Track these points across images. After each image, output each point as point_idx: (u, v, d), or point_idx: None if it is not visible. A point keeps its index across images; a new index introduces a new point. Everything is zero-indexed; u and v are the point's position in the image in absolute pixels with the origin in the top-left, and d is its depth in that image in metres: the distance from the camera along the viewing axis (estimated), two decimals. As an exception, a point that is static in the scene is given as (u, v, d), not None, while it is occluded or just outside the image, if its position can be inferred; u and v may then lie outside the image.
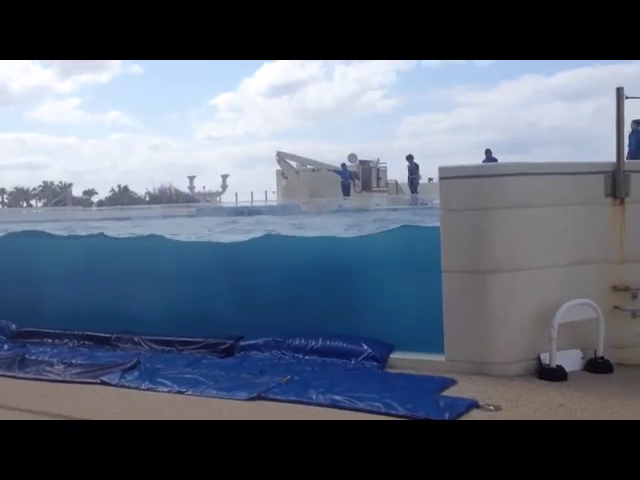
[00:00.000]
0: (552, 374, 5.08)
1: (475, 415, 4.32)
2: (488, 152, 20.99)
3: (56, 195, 54.90)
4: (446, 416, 4.23)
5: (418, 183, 24.74)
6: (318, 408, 4.62)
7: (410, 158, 24.54)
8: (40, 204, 68.66)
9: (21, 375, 5.90)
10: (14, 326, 7.61)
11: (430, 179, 27.31)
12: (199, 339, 6.57)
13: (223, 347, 6.39)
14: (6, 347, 7.04)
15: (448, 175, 5.50)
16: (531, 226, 5.34)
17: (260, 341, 6.30)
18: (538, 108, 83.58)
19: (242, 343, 6.37)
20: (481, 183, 5.35)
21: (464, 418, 4.25)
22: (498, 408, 4.42)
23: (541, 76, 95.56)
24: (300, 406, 4.68)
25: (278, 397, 4.88)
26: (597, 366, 5.25)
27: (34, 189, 77.15)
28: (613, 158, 5.56)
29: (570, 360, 5.25)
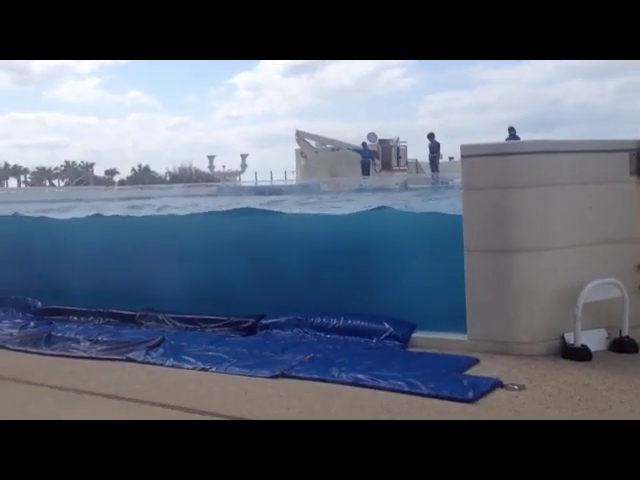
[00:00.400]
0: (576, 354, 5.04)
1: (499, 394, 4.30)
2: (511, 130, 20.75)
3: (78, 174, 55.38)
4: (470, 395, 4.22)
5: (439, 162, 24.58)
6: (341, 386, 4.64)
7: (431, 136, 24.37)
8: (62, 183, 69.37)
9: (48, 352, 5.99)
10: (40, 303, 7.73)
11: (451, 158, 27.12)
12: (222, 317, 6.61)
13: (245, 325, 6.44)
14: (32, 324, 7.15)
15: (470, 153, 5.45)
16: (555, 205, 5.28)
17: (282, 319, 6.33)
18: (561, 85, 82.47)
19: (264, 321, 6.40)
20: (504, 161, 5.29)
21: (488, 397, 4.25)
22: (522, 387, 4.40)
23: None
24: (323, 384, 4.70)
25: (301, 375, 4.91)
26: (622, 346, 5.20)
27: (56, 168, 78.05)
28: (638, 136, 5.47)
29: (595, 340, 5.21)
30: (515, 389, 4.39)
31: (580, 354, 5.04)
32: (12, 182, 74.91)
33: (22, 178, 76.19)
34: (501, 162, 5.30)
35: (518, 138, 18.76)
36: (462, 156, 5.49)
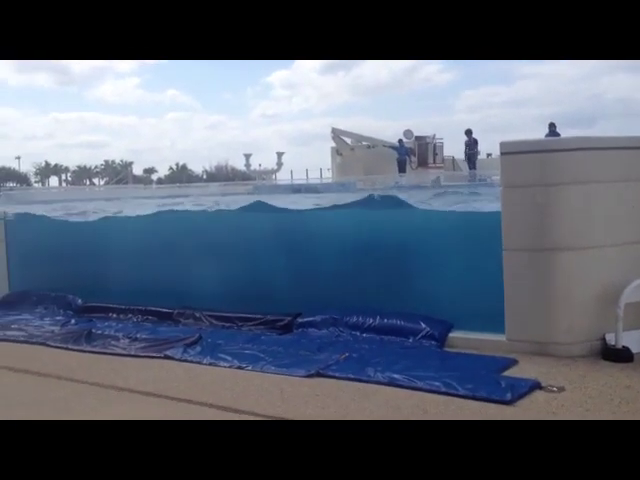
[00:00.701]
0: (618, 355, 4.94)
1: (538, 396, 4.24)
2: (552, 126, 20.35)
3: (117, 173, 56.30)
4: (508, 397, 4.16)
5: (477, 158, 24.25)
6: (376, 386, 4.62)
7: (469, 133, 24.03)
8: (102, 182, 70.65)
9: (88, 349, 6.10)
10: (80, 301, 7.88)
11: (489, 154, 26.76)
12: (258, 316, 6.65)
13: (281, 324, 6.46)
14: (73, 321, 7.30)
15: (510, 150, 5.37)
16: (597, 203, 5.18)
17: (318, 318, 6.33)
18: (602, 80, 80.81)
19: (300, 320, 6.41)
20: (545, 158, 5.21)
21: (526, 399, 4.18)
22: (561, 389, 4.33)
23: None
24: (358, 384, 4.69)
25: (337, 374, 4.90)
26: (665, 347, 5.08)
27: (96, 167, 79.48)
28: (685, 131, 5.34)
29: (636, 341, 5.08)
30: (554, 391, 4.32)
31: (621, 355, 4.94)
32: (53, 180, 76.56)
33: (63, 177, 77.74)
34: (543, 159, 5.21)
35: (558, 134, 18.46)
36: (502, 153, 5.42)
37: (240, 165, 43.72)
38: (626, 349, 4.96)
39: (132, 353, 5.88)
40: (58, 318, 7.49)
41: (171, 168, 76.59)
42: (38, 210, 9.30)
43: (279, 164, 36.98)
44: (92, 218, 8.52)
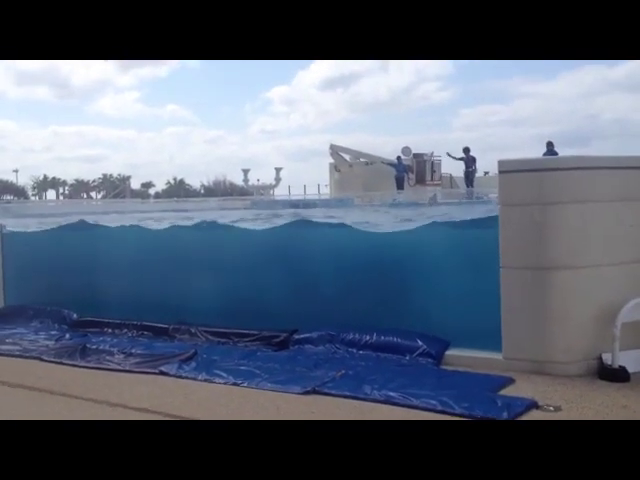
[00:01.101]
0: (614, 375, 4.92)
1: (534, 415, 4.21)
2: (549, 145, 20.43)
3: (115, 187, 56.37)
4: (504, 416, 4.14)
5: (474, 176, 24.36)
6: (373, 404, 4.59)
7: (466, 151, 24.17)
8: (99, 196, 70.71)
9: (82, 364, 6.05)
10: (75, 315, 7.83)
11: (486, 172, 26.89)
12: (254, 332, 6.61)
13: (277, 340, 6.42)
14: (68, 336, 7.23)
15: (508, 169, 5.39)
16: (595, 222, 5.18)
17: (314, 335, 6.30)
18: (599, 100, 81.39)
19: (296, 336, 6.38)
20: (543, 177, 5.22)
21: (523, 418, 4.16)
22: (558, 409, 4.30)
23: (604, 67, 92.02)
24: (355, 401, 4.66)
25: (333, 392, 4.87)
26: (662, 367, 5.06)
27: (94, 181, 79.57)
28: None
29: (633, 360, 5.07)
30: (551, 410, 4.30)
31: (618, 375, 4.92)
32: (51, 194, 76.51)
33: (60, 190, 77.77)
34: (541, 178, 5.22)
35: (556, 153, 18.55)
36: (500, 171, 5.43)
37: (238, 180, 43.86)
38: (623, 369, 4.95)
39: (127, 368, 5.83)
40: (53, 332, 7.42)
41: (168, 182, 76.65)
42: (34, 223, 9.29)
43: (277, 179, 37.06)
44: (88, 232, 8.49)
